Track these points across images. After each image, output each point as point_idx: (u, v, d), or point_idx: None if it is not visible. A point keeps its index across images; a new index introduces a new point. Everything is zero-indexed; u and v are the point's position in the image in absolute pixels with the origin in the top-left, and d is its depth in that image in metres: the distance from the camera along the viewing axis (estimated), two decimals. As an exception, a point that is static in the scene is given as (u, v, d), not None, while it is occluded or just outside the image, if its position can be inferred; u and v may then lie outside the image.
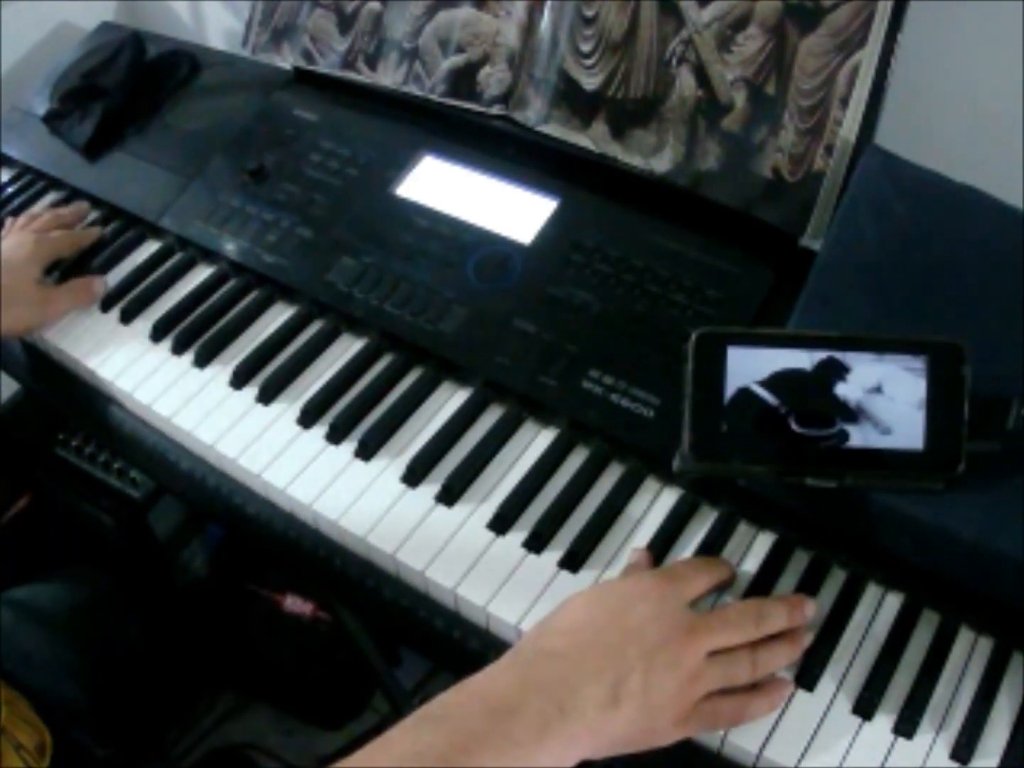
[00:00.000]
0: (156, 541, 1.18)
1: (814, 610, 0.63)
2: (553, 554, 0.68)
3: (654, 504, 0.71)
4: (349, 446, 0.75)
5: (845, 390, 0.62)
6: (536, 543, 0.68)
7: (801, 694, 0.61)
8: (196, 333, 0.84)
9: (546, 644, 0.57)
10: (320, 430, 0.76)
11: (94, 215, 0.99)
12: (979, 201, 0.69)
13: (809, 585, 0.66)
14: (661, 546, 0.68)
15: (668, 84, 0.80)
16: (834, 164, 0.74)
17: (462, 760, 0.51)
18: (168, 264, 0.92)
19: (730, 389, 0.62)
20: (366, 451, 0.74)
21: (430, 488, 0.72)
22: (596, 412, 0.72)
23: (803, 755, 0.59)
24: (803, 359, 0.62)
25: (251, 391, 0.80)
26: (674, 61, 0.80)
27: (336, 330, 0.83)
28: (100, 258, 0.93)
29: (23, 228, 0.94)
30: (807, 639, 0.62)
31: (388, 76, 0.93)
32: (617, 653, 0.56)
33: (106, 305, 0.89)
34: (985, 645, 0.63)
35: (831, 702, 0.61)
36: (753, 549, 0.68)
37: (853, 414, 0.62)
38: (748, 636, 0.60)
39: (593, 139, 0.84)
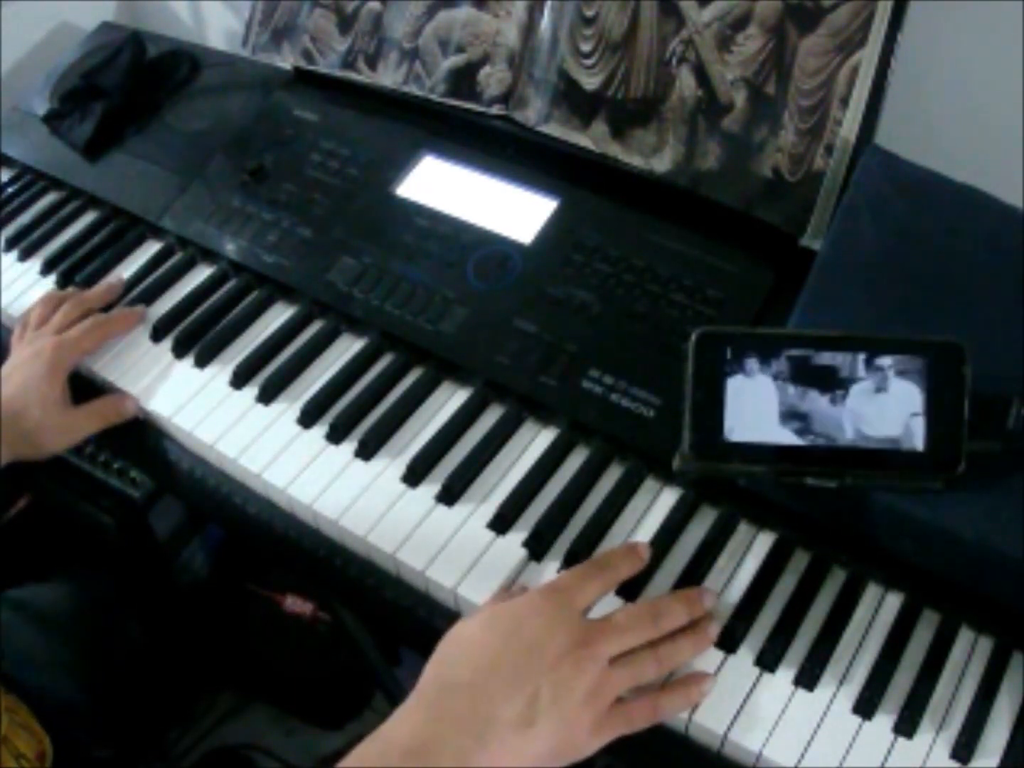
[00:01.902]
0: (156, 541, 1.17)
1: (714, 600, 0.64)
2: (553, 554, 0.68)
3: (654, 504, 0.71)
4: (349, 446, 0.75)
5: (845, 390, 0.62)
6: (536, 543, 0.68)
7: (801, 694, 0.61)
8: (196, 333, 0.84)
9: (448, 677, 0.57)
10: (320, 430, 0.76)
11: (94, 215, 0.99)
12: (979, 201, 0.69)
13: (809, 585, 0.66)
14: (661, 546, 0.68)
15: (668, 84, 0.80)
16: (834, 164, 0.74)
17: None
18: (168, 264, 0.92)
19: (730, 389, 0.62)
20: (366, 451, 0.74)
21: (430, 488, 0.72)
22: (596, 412, 0.72)
23: (803, 755, 0.59)
24: (803, 359, 0.62)
25: (251, 391, 0.80)
26: (674, 61, 0.80)
27: (336, 330, 0.83)
28: (101, 258, 0.93)
29: (39, 327, 0.85)
30: (714, 630, 0.63)
31: (388, 76, 0.93)
32: (521, 673, 0.56)
33: (107, 306, 0.88)
34: (985, 645, 0.63)
35: (831, 702, 0.61)
36: (753, 549, 0.68)
37: (853, 414, 0.62)
38: (647, 636, 0.60)
39: (593, 139, 0.84)
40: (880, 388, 0.61)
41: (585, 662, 0.57)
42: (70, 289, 0.90)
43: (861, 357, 0.62)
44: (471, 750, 0.54)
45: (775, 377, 0.62)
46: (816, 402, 0.62)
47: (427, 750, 0.53)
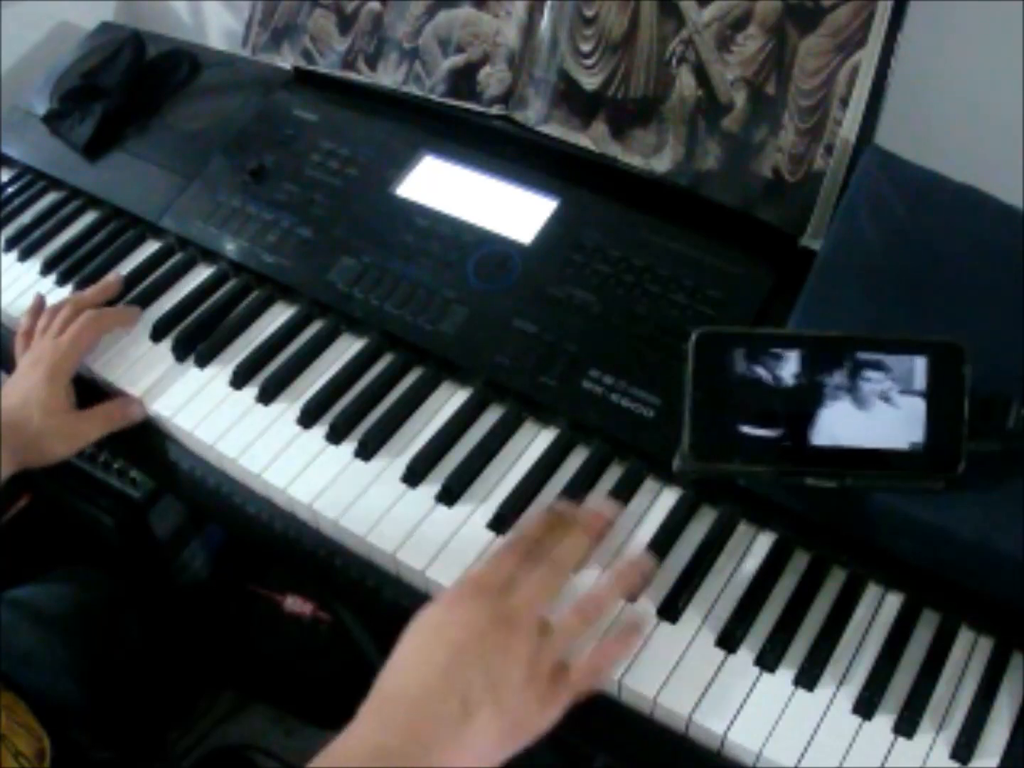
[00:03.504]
0: (156, 541, 1.17)
1: (614, 511, 0.64)
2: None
3: (654, 504, 0.71)
4: (349, 446, 0.75)
5: (845, 390, 0.62)
6: (536, 543, 0.68)
7: (801, 694, 0.61)
8: (196, 333, 0.84)
9: (388, 689, 0.58)
10: (320, 430, 0.76)
11: (94, 215, 0.99)
12: (979, 201, 0.69)
13: (809, 585, 0.66)
14: (661, 546, 0.68)
15: (668, 84, 0.80)
16: (834, 164, 0.74)
17: None
18: (168, 264, 0.92)
19: (730, 389, 0.62)
20: (366, 451, 0.74)
21: (430, 488, 0.72)
22: (596, 412, 0.72)
23: (803, 755, 0.59)
24: (803, 359, 0.62)
25: (251, 391, 0.80)
26: (674, 61, 0.80)
27: (336, 330, 0.83)
28: (100, 258, 0.93)
29: (39, 333, 0.84)
30: (646, 561, 0.63)
31: (388, 76, 0.93)
32: (451, 670, 0.56)
33: (106, 306, 0.88)
34: (985, 645, 0.63)
35: (831, 702, 0.61)
36: (753, 549, 0.68)
37: (853, 414, 0.62)
38: (556, 586, 0.60)
39: (593, 139, 0.84)
40: (880, 388, 0.61)
41: (512, 641, 0.57)
42: (70, 293, 0.90)
43: (861, 357, 0.62)
44: (416, 755, 0.54)
45: (775, 377, 0.62)
46: (816, 402, 0.62)
47: (376, 760, 0.54)
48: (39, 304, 0.87)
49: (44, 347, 0.81)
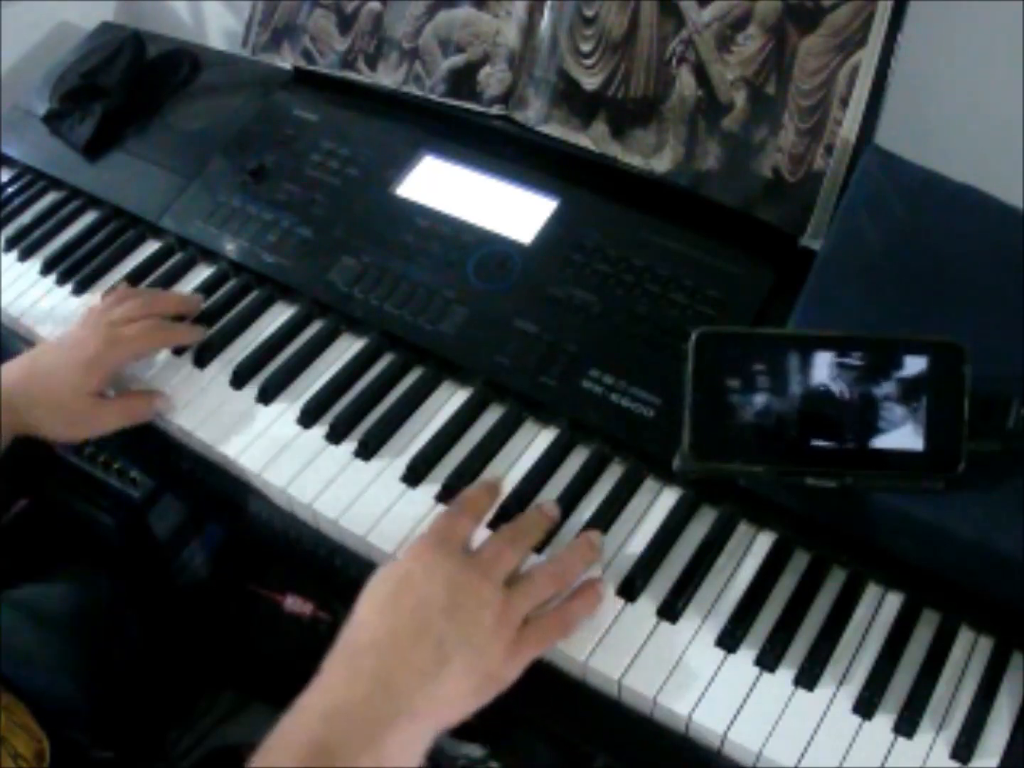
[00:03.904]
0: (156, 541, 1.17)
1: (555, 509, 0.67)
2: (552, 553, 0.68)
3: (654, 504, 0.71)
4: (349, 446, 0.75)
5: (845, 390, 0.62)
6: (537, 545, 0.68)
7: (801, 694, 0.61)
8: (196, 333, 0.84)
9: (358, 640, 0.58)
10: (320, 430, 0.76)
11: (94, 215, 0.99)
12: (979, 201, 0.69)
13: (809, 585, 0.66)
14: (661, 546, 0.68)
15: (668, 84, 0.80)
16: (834, 164, 0.74)
17: None
18: (168, 264, 0.92)
19: (730, 389, 0.62)
20: (366, 451, 0.74)
21: (430, 488, 0.72)
22: (596, 412, 0.72)
23: (803, 755, 0.59)
24: (803, 359, 0.62)
25: (251, 391, 0.80)
26: (674, 61, 0.80)
27: (336, 330, 0.83)
28: (100, 258, 0.93)
29: (103, 312, 0.80)
30: (596, 536, 0.66)
31: (388, 76, 0.93)
32: (422, 619, 0.57)
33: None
34: (985, 645, 0.63)
35: (831, 702, 0.61)
36: (753, 549, 0.68)
37: (853, 414, 0.62)
38: (526, 547, 0.63)
39: (593, 139, 0.84)
40: (880, 388, 0.61)
41: (481, 595, 0.58)
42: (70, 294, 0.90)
43: (861, 357, 0.62)
44: (387, 704, 0.54)
45: (775, 377, 0.62)
46: (816, 402, 0.62)
47: (348, 712, 0.54)
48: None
49: (97, 332, 0.78)
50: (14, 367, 0.77)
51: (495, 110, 0.88)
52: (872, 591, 0.66)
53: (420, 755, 0.55)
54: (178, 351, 0.83)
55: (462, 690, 0.57)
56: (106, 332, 0.78)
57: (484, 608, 0.58)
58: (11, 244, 0.97)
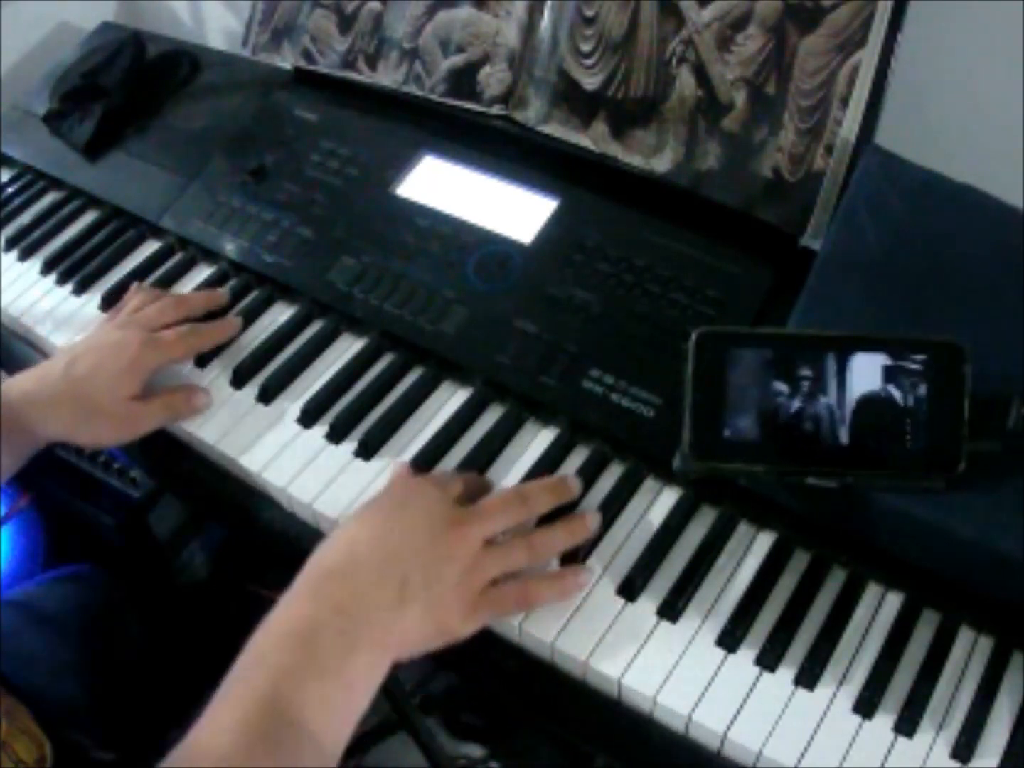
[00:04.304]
0: (156, 541, 1.17)
1: (579, 485, 0.68)
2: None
3: (654, 504, 0.71)
4: (349, 446, 0.75)
5: (845, 390, 0.62)
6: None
7: (801, 694, 0.61)
8: (196, 333, 0.84)
9: (328, 564, 0.60)
10: (320, 430, 0.76)
11: (94, 215, 0.99)
12: (979, 201, 0.69)
13: (809, 585, 0.66)
14: (661, 546, 0.68)
15: (668, 84, 0.80)
16: (834, 164, 0.75)
17: (288, 693, 0.54)
18: (168, 264, 0.92)
19: (730, 389, 0.62)
20: (366, 451, 0.74)
21: (430, 488, 0.72)
22: (596, 412, 0.72)
23: (803, 754, 0.59)
24: (803, 359, 0.62)
25: (251, 391, 0.80)
26: (674, 61, 0.80)
27: (336, 330, 0.83)
28: (100, 258, 0.93)
29: (133, 313, 0.80)
30: (593, 522, 0.66)
31: (388, 76, 0.93)
32: (393, 556, 0.59)
33: (107, 306, 0.89)
34: (985, 645, 0.63)
35: (831, 702, 0.61)
36: (753, 549, 0.68)
37: (853, 413, 0.62)
38: (516, 518, 0.64)
39: (593, 139, 0.84)
40: (880, 388, 0.61)
41: (456, 544, 0.60)
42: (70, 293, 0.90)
43: (861, 357, 0.62)
44: (349, 631, 0.57)
45: (775, 377, 0.62)
46: (816, 402, 0.62)
47: (312, 635, 0.56)
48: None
49: (133, 337, 0.77)
50: (47, 375, 0.75)
51: (495, 110, 0.88)
52: (872, 591, 0.66)
53: (378, 682, 0.58)
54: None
55: (417, 633, 0.59)
56: (144, 337, 0.77)
57: (453, 562, 0.60)
58: (11, 244, 0.97)
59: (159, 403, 0.76)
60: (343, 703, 0.56)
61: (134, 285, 0.86)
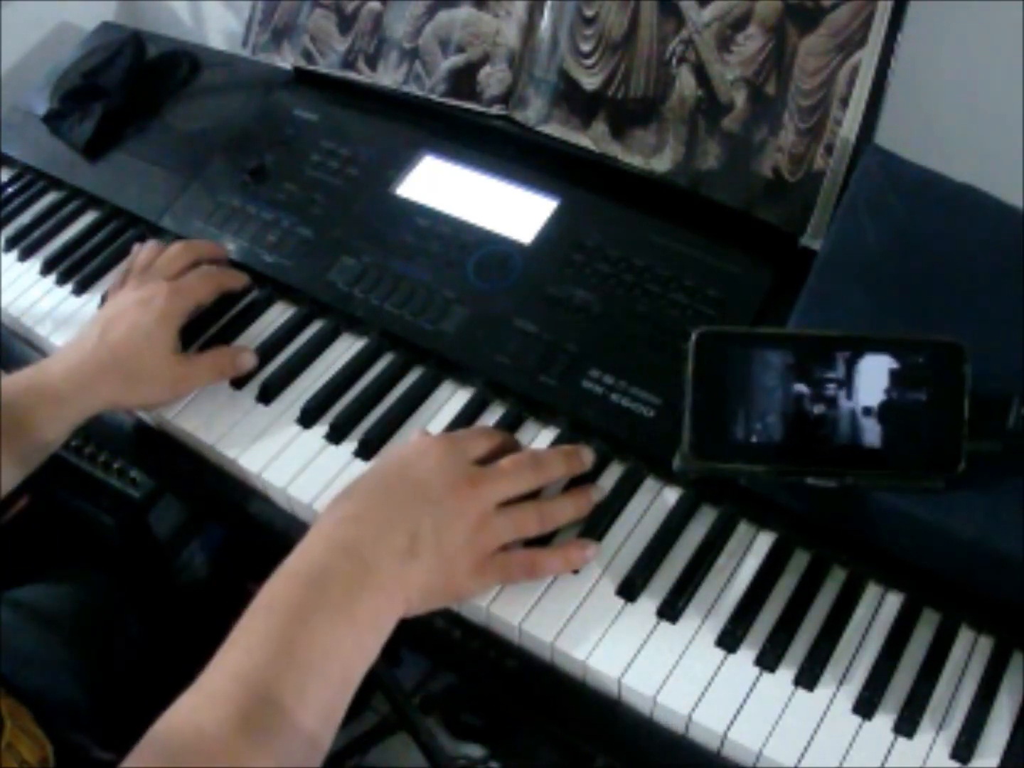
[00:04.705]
0: (156, 541, 1.17)
1: (591, 457, 0.69)
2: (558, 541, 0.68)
3: (654, 504, 0.71)
4: (349, 446, 0.75)
5: (845, 389, 0.62)
6: (536, 543, 0.68)
7: (801, 694, 0.61)
8: (196, 333, 0.84)
9: (342, 510, 0.62)
10: (320, 430, 0.76)
11: (94, 215, 0.99)
12: (979, 201, 0.69)
13: (809, 585, 0.66)
14: (661, 546, 0.68)
15: (668, 84, 0.80)
16: (834, 164, 0.75)
17: (298, 634, 0.55)
18: (168, 264, 0.92)
19: (730, 389, 0.62)
20: (366, 451, 0.74)
21: (430, 488, 0.72)
22: (596, 412, 0.72)
23: (803, 755, 0.59)
24: (803, 359, 0.62)
25: (251, 391, 0.80)
26: (674, 61, 0.80)
27: (336, 330, 0.83)
28: (100, 258, 0.93)
29: (145, 271, 0.81)
30: (596, 495, 0.68)
31: (388, 76, 0.93)
32: (407, 507, 0.60)
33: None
34: (985, 645, 0.63)
35: (831, 702, 0.61)
36: (753, 549, 0.68)
37: (853, 413, 0.62)
38: (529, 483, 0.65)
39: (593, 139, 0.84)
40: (880, 388, 0.61)
41: (468, 502, 0.61)
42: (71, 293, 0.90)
43: (861, 357, 0.62)
44: (359, 575, 0.58)
45: (775, 377, 0.62)
46: (816, 402, 0.62)
47: (323, 577, 0.58)
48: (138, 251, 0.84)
49: (157, 289, 0.77)
50: (84, 346, 0.75)
51: (495, 110, 0.88)
52: (872, 591, 0.66)
53: (385, 635, 0.59)
54: (179, 349, 0.83)
55: (424, 585, 0.60)
56: (167, 287, 0.77)
57: (465, 519, 0.61)
58: (11, 244, 0.97)
59: (206, 363, 0.77)
60: (352, 645, 0.57)
61: (136, 246, 0.86)
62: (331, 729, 0.56)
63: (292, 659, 0.54)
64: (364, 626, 0.58)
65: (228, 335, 0.84)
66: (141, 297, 0.77)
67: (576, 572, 0.67)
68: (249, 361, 0.78)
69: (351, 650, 0.57)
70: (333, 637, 0.56)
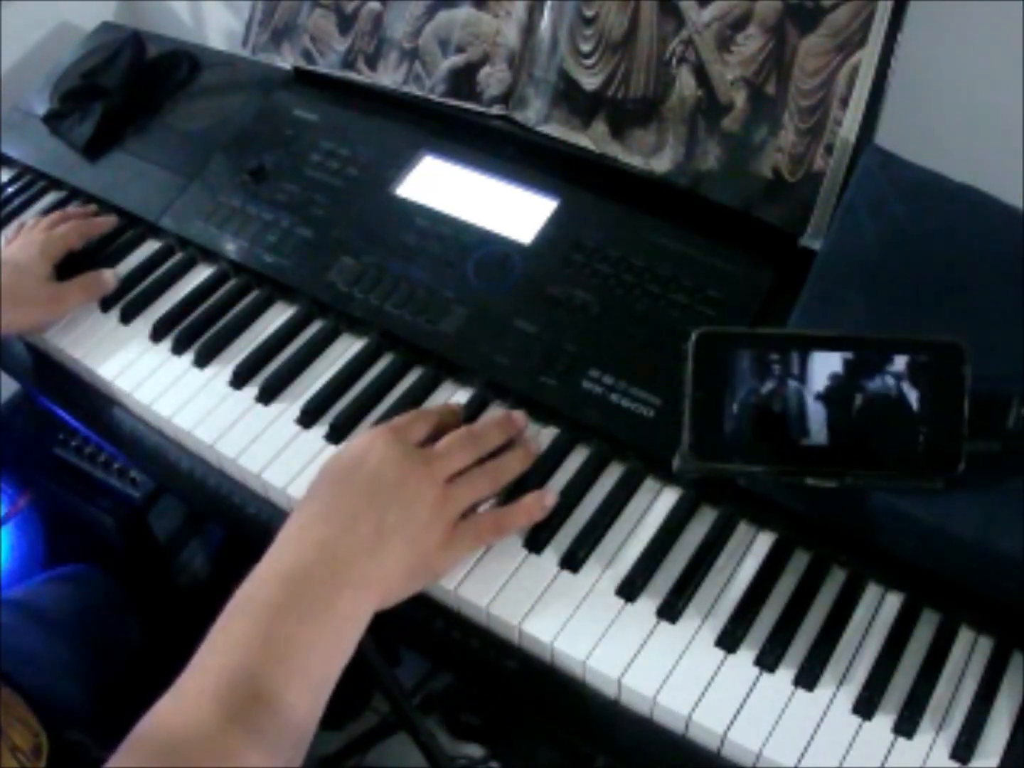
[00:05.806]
0: (156, 541, 1.18)
1: (524, 419, 0.72)
2: (553, 554, 0.68)
3: (654, 504, 0.71)
4: (349, 446, 0.75)
5: (845, 390, 0.62)
6: (534, 541, 0.68)
7: (801, 694, 0.61)
8: (196, 333, 0.84)
9: (308, 512, 0.63)
10: (320, 430, 0.76)
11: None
12: (979, 201, 0.69)
13: (809, 585, 0.66)
14: (661, 546, 0.68)
15: (668, 84, 0.80)
16: (834, 164, 0.75)
17: (278, 632, 0.57)
18: (168, 264, 0.92)
19: (730, 389, 0.62)
20: (366, 451, 0.74)
21: (430, 488, 0.72)
22: (596, 412, 0.72)
23: (803, 755, 0.59)
24: (803, 359, 0.62)
25: (251, 391, 0.80)
26: (674, 61, 0.80)
27: (336, 330, 0.83)
28: (99, 258, 0.93)
29: (30, 229, 0.94)
30: (535, 446, 0.72)
31: (388, 76, 0.93)
32: (366, 501, 0.62)
33: (106, 305, 0.89)
34: (985, 645, 0.63)
35: (831, 702, 0.61)
36: (753, 549, 0.68)
37: (853, 413, 0.62)
38: (471, 454, 0.68)
39: (593, 139, 0.84)
40: (880, 388, 0.61)
41: (423, 483, 0.64)
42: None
43: (861, 357, 0.62)
44: (334, 572, 0.60)
45: (775, 377, 0.62)
46: (816, 402, 0.62)
47: (300, 576, 0.59)
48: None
49: (35, 236, 0.91)
50: None
51: (495, 110, 0.88)
52: (872, 591, 0.66)
53: (363, 627, 0.61)
54: (178, 351, 0.83)
55: (399, 570, 0.62)
56: (43, 235, 0.91)
57: (422, 501, 0.63)
58: (10, 243, 0.97)
59: (76, 285, 0.88)
60: (332, 640, 0.58)
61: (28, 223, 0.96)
62: (313, 722, 0.57)
63: (274, 656, 0.56)
64: (342, 620, 0.59)
65: (228, 335, 0.84)
66: (22, 243, 0.91)
67: (575, 573, 0.67)
68: (110, 278, 0.89)
69: (330, 644, 0.59)
70: (313, 633, 0.58)
